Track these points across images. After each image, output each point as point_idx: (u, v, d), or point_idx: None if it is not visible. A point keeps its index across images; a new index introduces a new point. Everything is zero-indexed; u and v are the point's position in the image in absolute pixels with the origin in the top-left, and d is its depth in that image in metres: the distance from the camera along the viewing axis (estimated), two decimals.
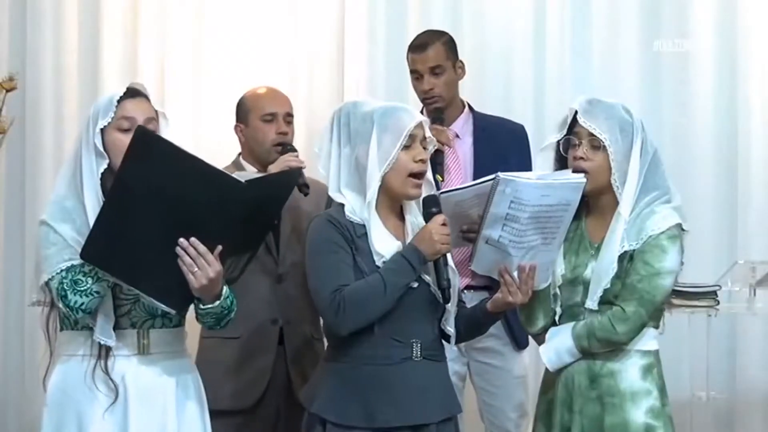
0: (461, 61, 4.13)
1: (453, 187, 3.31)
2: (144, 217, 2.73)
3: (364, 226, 3.05)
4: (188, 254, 2.77)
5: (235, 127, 3.97)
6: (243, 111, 3.96)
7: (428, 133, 3.11)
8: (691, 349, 4.35)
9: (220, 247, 2.78)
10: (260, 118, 3.89)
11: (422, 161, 3.06)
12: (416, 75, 4.08)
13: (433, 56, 4.05)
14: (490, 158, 3.92)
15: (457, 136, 4.04)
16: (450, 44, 4.12)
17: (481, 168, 3.95)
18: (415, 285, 3.03)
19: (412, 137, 3.05)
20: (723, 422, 4.59)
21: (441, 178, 3.92)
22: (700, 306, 4.13)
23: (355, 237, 3.04)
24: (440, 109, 4.05)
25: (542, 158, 3.31)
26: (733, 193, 4.77)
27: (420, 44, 4.10)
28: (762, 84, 4.77)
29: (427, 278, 3.06)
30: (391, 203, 3.11)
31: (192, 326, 3.10)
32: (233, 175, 2.75)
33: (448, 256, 3.08)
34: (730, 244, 4.74)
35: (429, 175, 3.14)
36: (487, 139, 4.08)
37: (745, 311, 4.31)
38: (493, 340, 4.00)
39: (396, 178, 3.05)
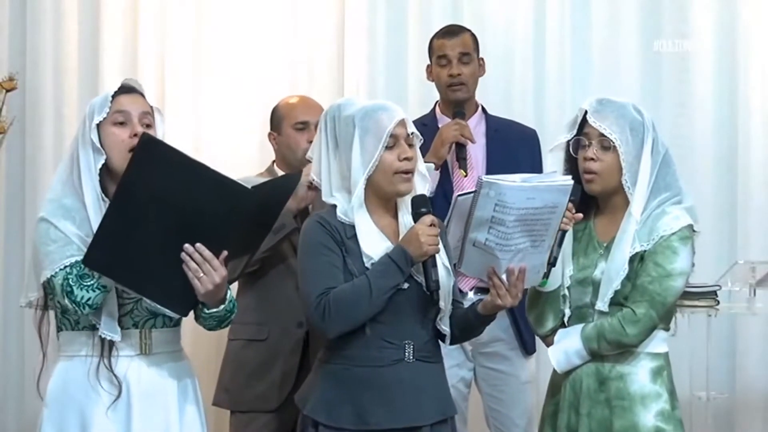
0: (482, 59, 4.17)
1: (470, 190, 3.30)
2: (148, 223, 2.74)
3: (354, 227, 3.04)
4: (194, 260, 2.78)
5: (269, 135, 4.03)
6: (276, 119, 4.00)
7: (411, 129, 3.09)
8: (691, 349, 4.34)
9: (225, 253, 2.79)
10: (292, 127, 3.94)
11: (407, 159, 3.05)
12: (444, 61, 4.10)
13: (464, 43, 4.11)
14: (502, 160, 3.92)
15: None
16: (476, 39, 4.18)
17: (493, 170, 3.93)
18: (406, 286, 3.01)
19: (394, 137, 3.04)
20: (723, 422, 4.59)
21: (465, 174, 3.94)
22: (700, 306, 4.12)
23: (345, 238, 3.03)
24: (462, 104, 4.06)
25: (552, 159, 3.29)
26: (733, 193, 4.77)
27: (452, 30, 4.17)
28: (762, 84, 4.77)
29: (420, 279, 3.04)
30: (384, 202, 3.10)
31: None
32: (238, 181, 2.76)
33: (442, 255, 3.06)
34: (730, 244, 4.74)
35: (422, 168, 3.13)
36: (500, 141, 4.09)
37: (745, 311, 4.31)
38: (501, 345, 3.99)
39: (383, 178, 3.04)
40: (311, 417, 3.05)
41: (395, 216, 3.12)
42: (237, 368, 3.85)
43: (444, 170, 3.94)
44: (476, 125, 4.10)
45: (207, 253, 2.77)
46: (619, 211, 3.21)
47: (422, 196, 3.08)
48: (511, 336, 3.97)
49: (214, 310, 2.90)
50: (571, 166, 3.25)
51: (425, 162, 3.20)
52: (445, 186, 3.90)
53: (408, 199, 3.09)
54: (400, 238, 3.05)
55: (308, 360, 3.75)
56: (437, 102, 4.20)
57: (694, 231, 3.20)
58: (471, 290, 3.83)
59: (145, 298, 2.86)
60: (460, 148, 3.95)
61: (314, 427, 3.04)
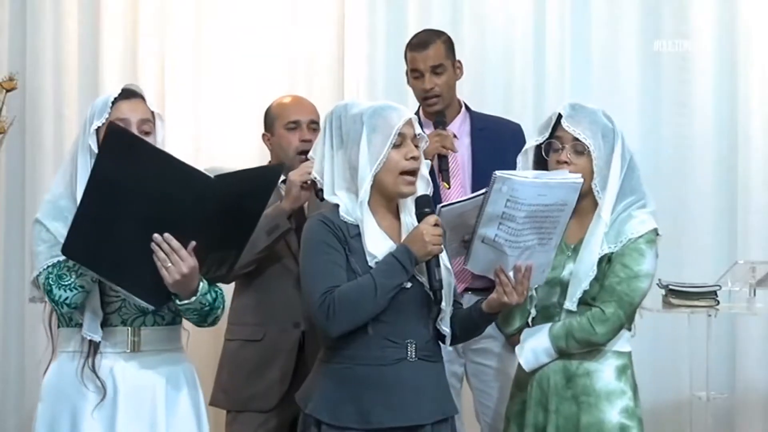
0: (459, 61, 4.13)
1: (454, 200, 3.31)
2: (119, 213, 2.75)
3: (357, 226, 3.05)
4: (162, 249, 2.79)
5: (263, 136, 4.02)
6: (269, 120, 4.00)
7: (418, 130, 3.11)
8: (691, 349, 4.35)
9: (193, 243, 2.79)
10: (284, 126, 3.93)
11: (414, 158, 3.06)
12: (416, 74, 4.06)
13: (434, 55, 4.03)
14: (489, 158, 3.89)
15: (455, 136, 4.01)
16: (449, 43, 4.11)
17: (479, 168, 3.94)
18: (409, 285, 3.02)
19: (402, 135, 3.05)
20: (723, 422, 4.58)
21: (447, 186, 3.90)
22: (700, 306, 4.12)
23: (349, 237, 3.04)
24: (442, 113, 4.02)
25: (522, 160, 3.35)
26: (733, 194, 4.76)
27: (420, 42, 4.08)
28: (762, 84, 4.76)
29: (422, 278, 3.05)
30: (387, 202, 3.11)
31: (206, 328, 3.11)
32: (203, 171, 2.77)
33: (443, 256, 3.07)
34: (730, 244, 4.74)
35: (425, 171, 3.14)
36: (486, 139, 4.06)
37: (745, 311, 4.30)
38: (490, 341, 3.98)
39: (388, 176, 3.05)
40: (313, 416, 3.05)
41: (397, 216, 3.13)
42: (234, 368, 3.86)
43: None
44: (460, 125, 4.09)
45: (174, 242, 2.78)
46: (585, 214, 3.29)
47: (426, 196, 3.10)
48: (499, 333, 3.97)
49: (186, 301, 2.89)
50: (540, 168, 3.29)
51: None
52: (433, 196, 3.88)
53: (410, 200, 3.11)
54: (403, 238, 3.06)
55: (304, 360, 3.76)
56: (420, 106, 4.18)
57: (658, 235, 3.29)
58: (462, 292, 3.83)
59: (120, 288, 2.88)
60: (442, 159, 3.91)
61: (316, 426, 3.04)
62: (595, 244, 3.23)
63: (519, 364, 3.33)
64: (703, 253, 4.66)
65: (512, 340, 3.34)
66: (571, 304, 3.23)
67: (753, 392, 4.69)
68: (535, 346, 3.26)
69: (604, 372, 3.24)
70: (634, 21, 4.85)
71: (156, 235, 2.77)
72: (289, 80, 4.88)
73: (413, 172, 3.08)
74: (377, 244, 3.04)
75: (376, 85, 4.89)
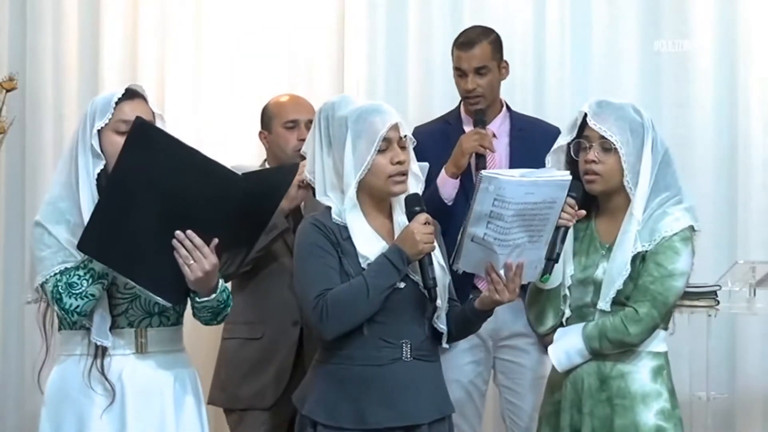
0: (506, 61, 4.12)
1: (497, 170, 3.27)
2: (141, 208, 2.74)
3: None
4: (184, 246, 2.78)
5: (260, 134, 4.03)
6: (266, 118, 4.01)
7: (404, 132, 3.09)
8: (691, 349, 4.34)
9: (216, 240, 2.79)
10: (282, 125, 3.94)
11: (400, 163, 3.05)
12: (460, 72, 4.05)
13: (480, 55, 4.02)
14: (526, 159, 3.84)
15: (494, 135, 4.00)
16: (496, 43, 4.09)
17: (516, 168, 3.91)
18: (402, 285, 3.02)
19: (387, 140, 3.04)
20: (723, 422, 4.58)
21: None
22: (700, 306, 4.12)
23: (341, 239, 3.04)
24: (482, 112, 4.02)
25: (553, 160, 3.30)
26: (733, 193, 4.76)
27: (467, 42, 4.06)
28: (762, 84, 4.75)
29: (416, 278, 3.05)
30: (378, 203, 3.11)
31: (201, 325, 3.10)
32: (230, 168, 2.76)
33: (437, 253, 3.07)
34: (730, 244, 4.73)
35: (415, 168, 3.13)
36: (524, 140, 4.06)
37: (745, 311, 4.30)
38: (522, 339, 3.99)
39: (376, 180, 3.05)
40: (310, 417, 3.06)
41: (389, 216, 3.13)
42: (233, 367, 3.86)
43: (468, 178, 3.91)
44: (500, 125, 4.09)
45: (197, 239, 2.77)
46: (620, 212, 3.23)
47: (416, 195, 3.09)
48: (531, 330, 3.97)
49: (206, 299, 2.88)
50: (572, 168, 3.25)
51: (442, 168, 3.14)
52: (468, 193, 3.88)
53: (402, 198, 3.10)
54: (395, 237, 3.05)
55: (303, 357, 3.76)
56: (461, 101, 4.16)
57: (694, 231, 3.23)
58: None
59: (136, 285, 2.86)
60: (480, 158, 3.90)
61: (313, 427, 3.05)
62: (628, 242, 3.16)
63: (553, 365, 3.29)
64: (703, 253, 4.62)
65: (545, 340, 3.30)
66: (604, 304, 3.17)
67: (753, 392, 4.68)
68: (568, 347, 3.21)
69: (639, 373, 3.18)
70: (634, 21, 4.84)
71: (178, 232, 2.76)
72: (289, 80, 4.88)
73: (401, 174, 3.07)
74: (369, 245, 3.04)
75: (376, 85, 4.89)
